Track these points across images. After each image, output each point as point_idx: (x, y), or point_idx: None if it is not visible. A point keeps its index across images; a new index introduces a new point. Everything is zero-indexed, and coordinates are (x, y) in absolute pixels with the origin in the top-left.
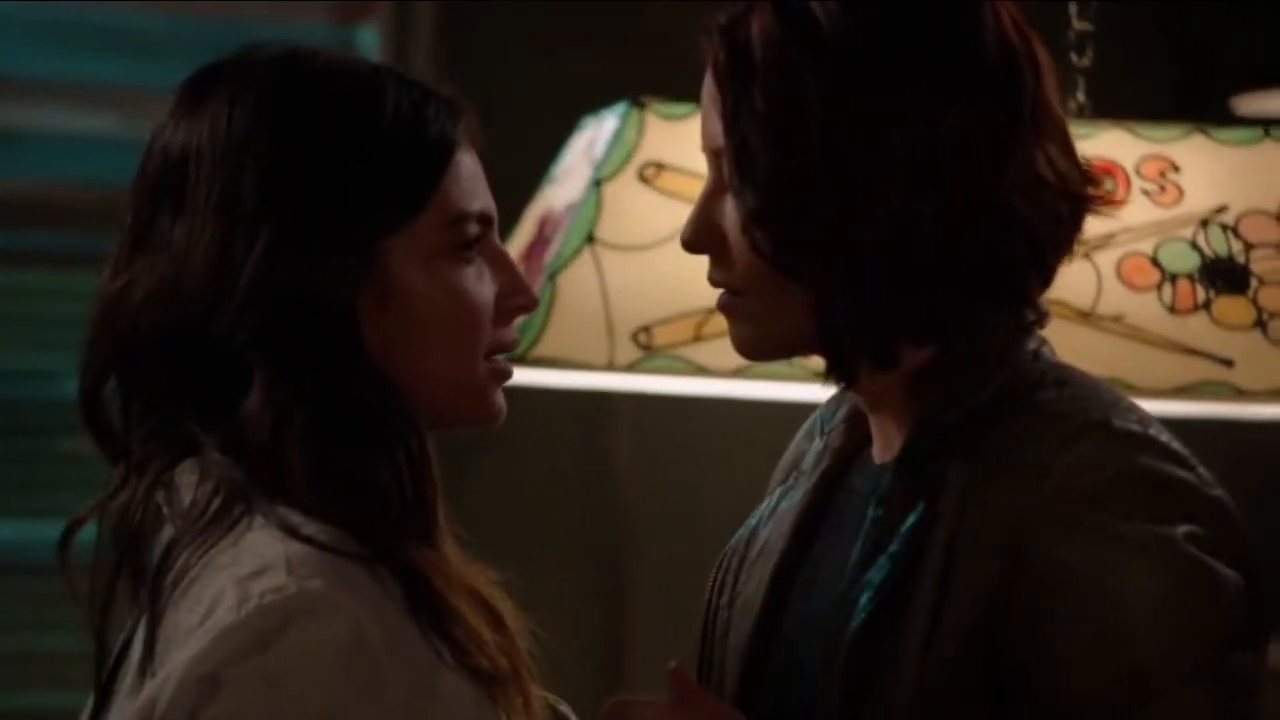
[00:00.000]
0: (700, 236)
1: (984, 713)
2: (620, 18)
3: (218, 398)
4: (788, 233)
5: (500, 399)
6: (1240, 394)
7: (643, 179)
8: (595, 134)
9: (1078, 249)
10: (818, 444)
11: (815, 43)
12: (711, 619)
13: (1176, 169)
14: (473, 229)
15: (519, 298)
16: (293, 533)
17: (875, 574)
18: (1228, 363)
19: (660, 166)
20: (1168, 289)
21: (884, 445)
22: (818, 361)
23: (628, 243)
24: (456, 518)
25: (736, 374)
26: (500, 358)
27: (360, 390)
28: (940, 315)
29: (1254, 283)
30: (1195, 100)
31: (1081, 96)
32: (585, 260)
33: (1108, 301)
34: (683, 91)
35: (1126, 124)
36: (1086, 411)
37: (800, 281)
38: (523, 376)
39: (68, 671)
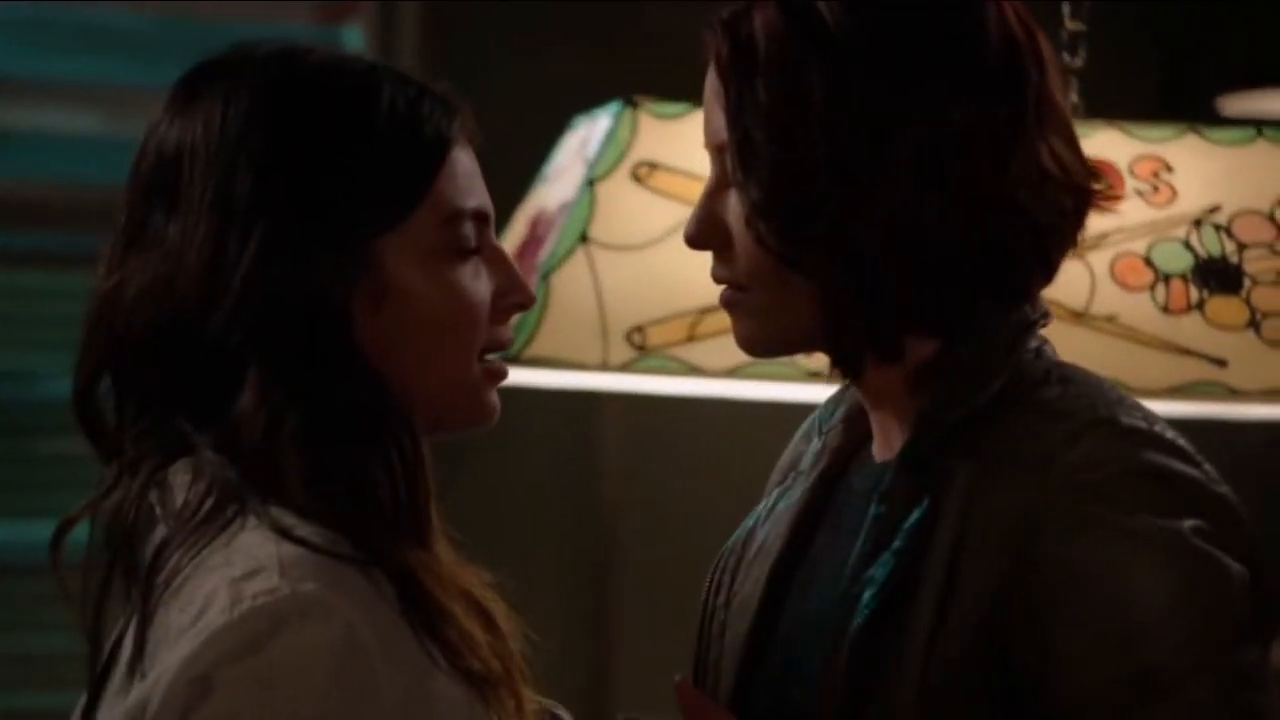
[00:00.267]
0: (703, 232)
1: (987, 711)
2: (607, 17)
3: (211, 397)
4: (791, 226)
5: (495, 399)
6: (1233, 394)
7: (636, 178)
8: (588, 133)
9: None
10: (815, 444)
11: (819, 37)
12: (708, 619)
13: (1170, 169)
14: (468, 227)
15: (516, 295)
16: (286, 534)
17: (878, 571)
18: (1221, 363)
19: (654, 166)
20: (1161, 289)
21: (884, 443)
22: (812, 361)
23: (621, 242)
24: (448, 518)
25: (730, 374)
26: (495, 357)
27: (354, 389)
28: (945, 308)
29: (1247, 283)
30: (1181, 101)
31: (1075, 97)
32: (579, 260)
33: (1101, 301)
34: (670, 90)
35: (1119, 124)
36: (1092, 408)
37: (805, 275)
38: (516, 376)
39: (62, 672)
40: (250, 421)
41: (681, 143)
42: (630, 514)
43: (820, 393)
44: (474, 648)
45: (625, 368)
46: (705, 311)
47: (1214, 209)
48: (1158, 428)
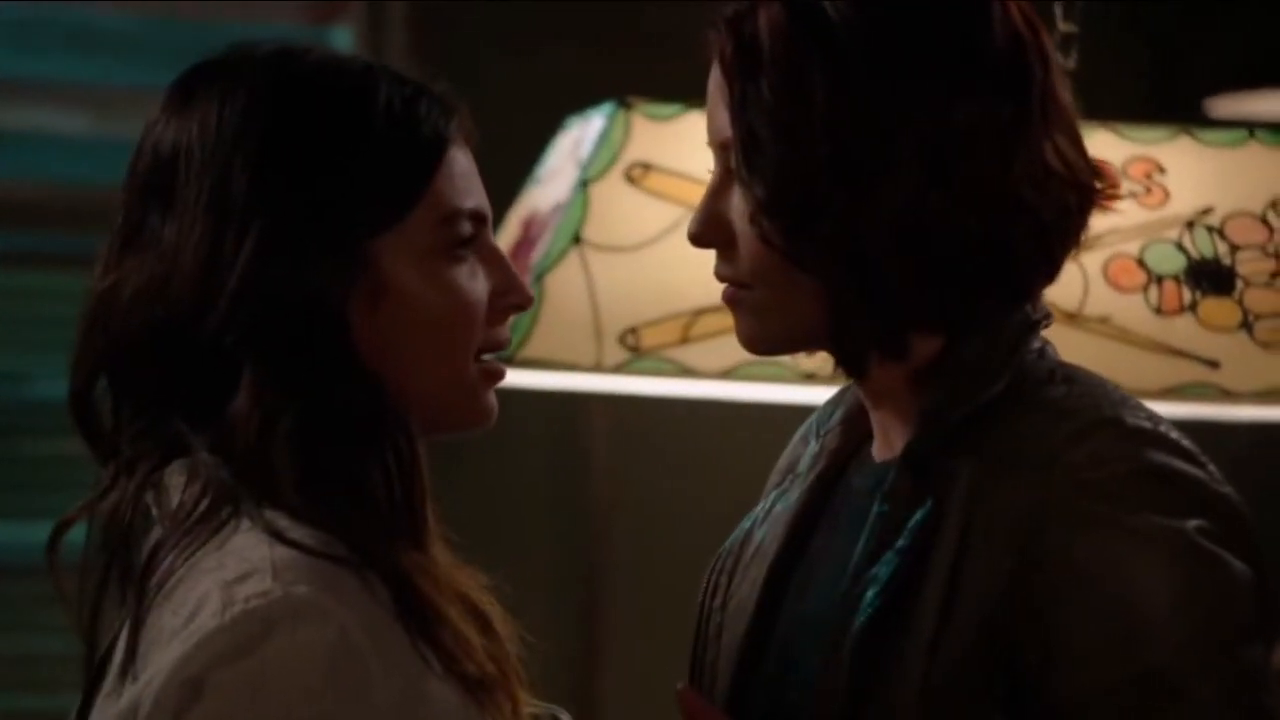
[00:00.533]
0: (707, 230)
1: (989, 711)
2: (598, 17)
3: (207, 397)
4: (796, 224)
5: (492, 400)
6: (1226, 395)
7: (629, 179)
8: (581, 134)
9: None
10: (813, 446)
11: (823, 34)
12: (704, 621)
13: (1162, 170)
14: (466, 227)
15: (513, 296)
16: (279, 537)
17: (881, 570)
18: (1214, 364)
19: (647, 167)
20: (1154, 290)
21: (884, 443)
22: (806, 363)
23: (615, 243)
24: (442, 519)
25: (724, 375)
26: (492, 357)
27: (350, 390)
28: (949, 306)
29: (1240, 284)
30: (1170, 102)
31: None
32: (572, 261)
33: (1094, 303)
34: (663, 91)
35: (1112, 125)
36: (1097, 408)
37: (809, 273)
38: (510, 378)
39: (58, 674)
40: (245, 422)
41: (675, 144)
42: (621, 515)
43: (813, 394)
44: (469, 651)
45: (619, 369)
46: (699, 313)
47: (1207, 211)
48: (1162, 428)
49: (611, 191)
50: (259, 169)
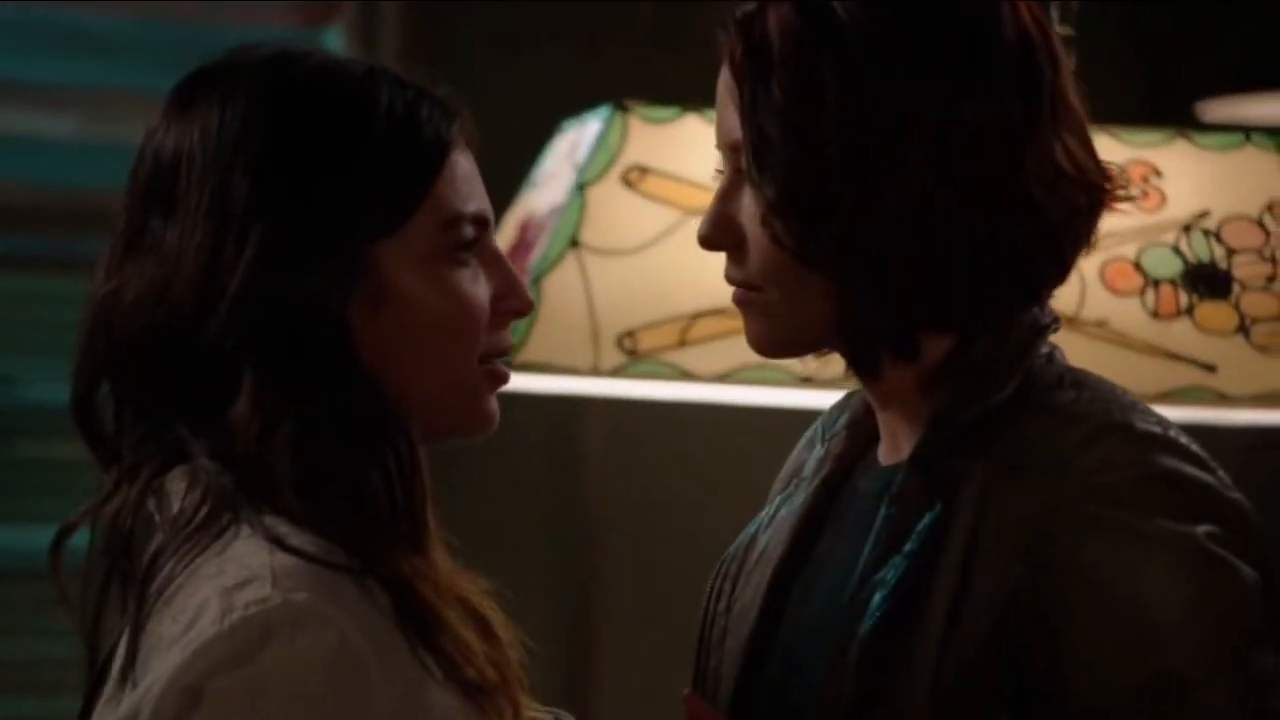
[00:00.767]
0: (717, 233)
1: (998, 714)
2: (592, 19)
3: (209, 403)
4: (807, 224)
5: (494, 405)
6: (1223, 399)
7: (626, 183)
8: (577, 137)
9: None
10: (818, 451)
11: (833, 34)
12: (708, 625)
13: (1159, 174)
14: (468, 231)
15: (514, 301)
16: (279, 543)
17: (889, 574)
18: (1210, 368)
19: (644, 170)
20: (1151, 294)
21: (891, 446)
22: (803, 366)
23: (612, 247)
24: (440, 523)
25: (722, 379)
26: (497, 362)
27: (350, 395)
28: (960, 305)
29: (1236, 288)
30: (1162, 106)
31: None
32: (569, 264)
33: (1091, 306)
34: (657, 94)
35: (1108, 128)
36: (1107, 412)
37: (820, 273)
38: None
39: (60, 678)
40: (245, 427)
41: (672, 147)
42: (618, 518)
43: (811, 398)
44: (470, 657)
45: (616, 373)
46: (696, 316)
47: (1203, 214)
48: (1171, 433)
49: (608, 195)
50: (260, 174)
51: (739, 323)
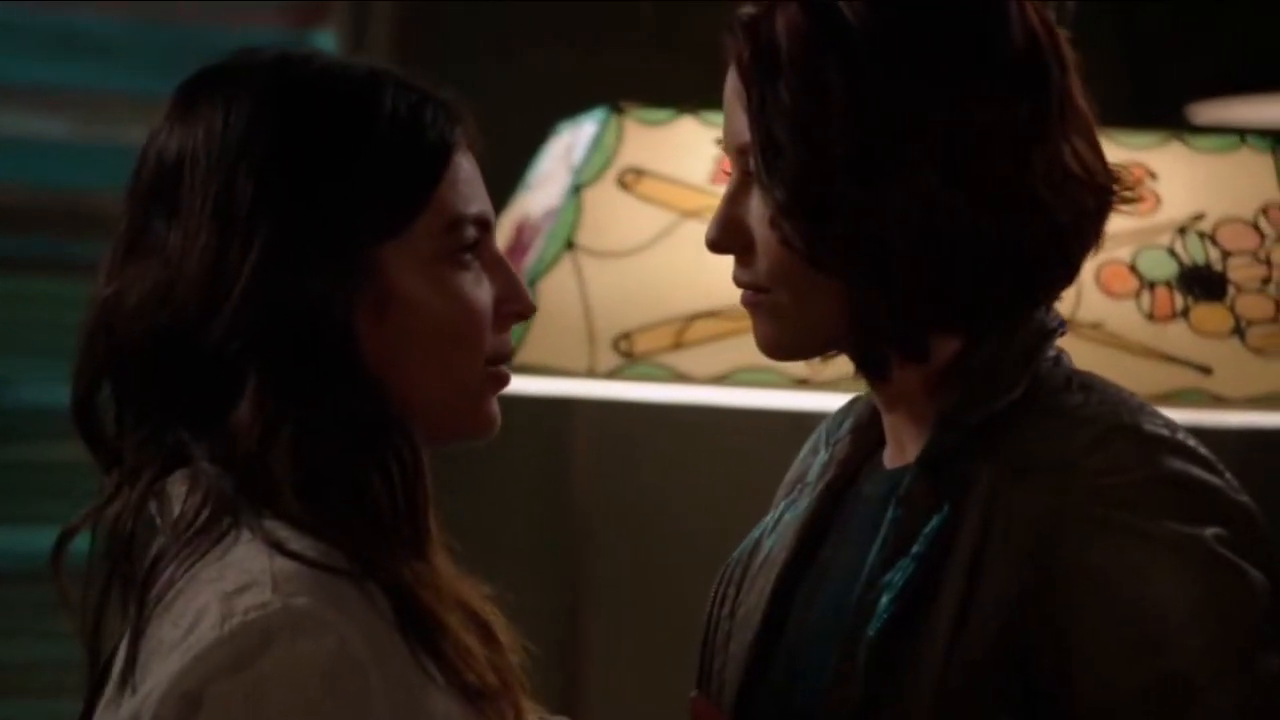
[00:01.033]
0: (725, 235)
1: (1004, 716)
2: (586, 21)
3: (211, 405)
4: (816, 226)
5: (495, 409)
6: (1218, 401)
7: (622, 185)
8: (573, 139)
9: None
10: (823, 456)
11: (841, 36)
12: (713, 630)
13: (1154, 176)
14: (470, 234)
15: (516, 304)
16: (279, 548)
17: (896, 576)
18: (1206, 370)
19: (640, 172)
20: (1146, 296)
21: (897, 449)
22: (798, 368)
23: (608, 249)
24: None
25: (717, 381)
26: (501, 367)
27: (354, 398)
28: (969, 306)
29: (1231, 290)
30: (1153, 108)
31: None
32: (565, 267)
33: (1087, 309)
34: (653, 95)
35: (1104, 130)
36: (1115, 415)
37: (829, 275)
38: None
39: (61, 680)
40: (247, 430)
41: (668, 149)
42: (614, 520)
43: (807, 400)
44: (471, 661)
45: (612, 375)
46: (692, 318)
47: (1198, 216)
48: (1180, 436)
49: (604, 197)
50: (264, 175)
51: (735, 325)
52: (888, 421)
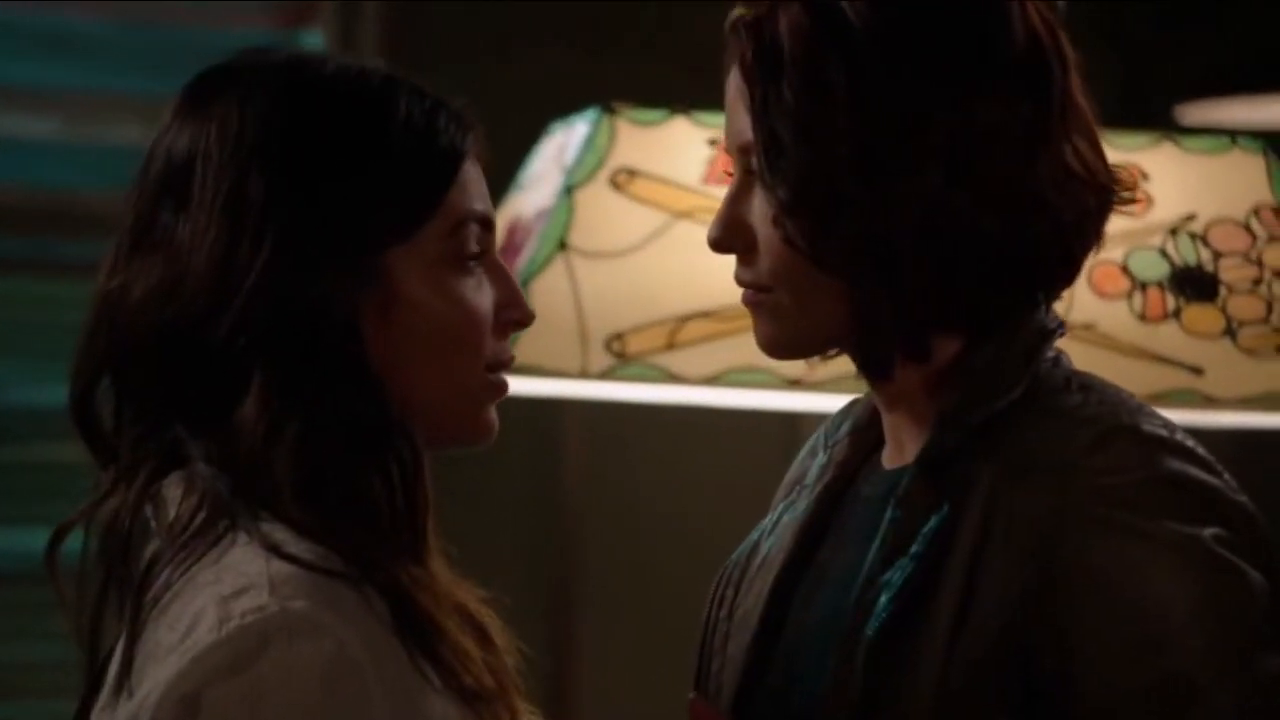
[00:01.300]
0: (727, 235)
1: (1004, 716)
2: (579, 22)
3: (213, 403)
4: (819, 225)
5: (494, 416)
6: (1210, 402)
7: (615, 185)
8: (565, 139)
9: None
10: (821, 458)
11: (844, 36)
12: (710, 631)
13: (1145, 177)
14: (475, 240)
15: (515, 311)
16: (276, 551)
17: (895, 575)
18: (1197, 371)
19: (632, 173)
20: (1138, 297)
21: (896, 450)
22: (791, 369)
23: (600, 249)
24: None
25: (710, 382)
26: (501, 374)
27: (358, 400)
28: (971, 306)
29: (1223, 291)
30: (1142, 109)
31: None
32: (558, 267)
33: (1078, 310)
34: (645, 96)
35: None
36: (1115, 415)
37: (832, 274)
38: None
39: (59, 680)
40: (251, 429)
41: (660, 149)
42: (607, 521)
43: (799, 400)
44: (468, 664)
45: (604, 375)
46: (685, 319)
47: (1190, 217)
48: (1179, 436)
49: (597, 197)
50: (277, 174)
51: (727, 325)
52: (887, 421)
